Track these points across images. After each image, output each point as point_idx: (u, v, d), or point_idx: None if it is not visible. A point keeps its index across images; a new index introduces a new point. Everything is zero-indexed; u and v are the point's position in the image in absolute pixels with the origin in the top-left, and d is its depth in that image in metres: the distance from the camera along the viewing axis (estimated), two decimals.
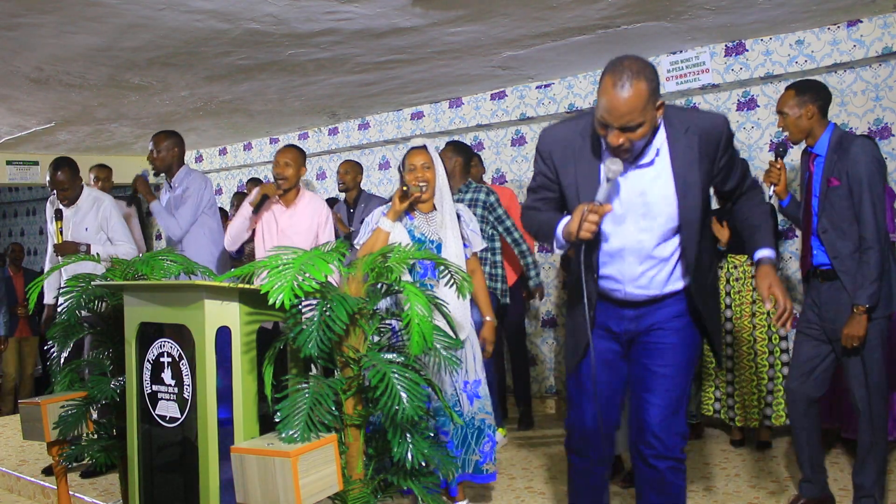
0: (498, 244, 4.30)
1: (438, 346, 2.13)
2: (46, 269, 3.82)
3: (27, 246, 11.20)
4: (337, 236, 4.05)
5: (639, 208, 2.15)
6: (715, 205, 2.65)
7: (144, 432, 2.32)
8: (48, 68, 4.49)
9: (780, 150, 3.11)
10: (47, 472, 4.09)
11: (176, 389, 2.22)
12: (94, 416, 3.06)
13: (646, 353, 2.27)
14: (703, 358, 4.17)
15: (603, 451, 2.34)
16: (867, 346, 2.84)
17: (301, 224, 3.78)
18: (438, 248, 2.95)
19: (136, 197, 5.63)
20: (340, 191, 5.30)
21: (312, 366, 2.13)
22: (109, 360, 2.99)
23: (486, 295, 3.19)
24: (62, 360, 3.10)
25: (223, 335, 2.09)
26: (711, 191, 2.28)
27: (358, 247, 3.01)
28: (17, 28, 3.74)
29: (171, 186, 4.21)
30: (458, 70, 4.96)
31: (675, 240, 2.19)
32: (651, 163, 2.13)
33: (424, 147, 3.00)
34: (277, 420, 1.91)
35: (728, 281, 4.11)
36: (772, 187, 3.08)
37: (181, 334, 2.19)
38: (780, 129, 3.02)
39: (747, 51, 4.48)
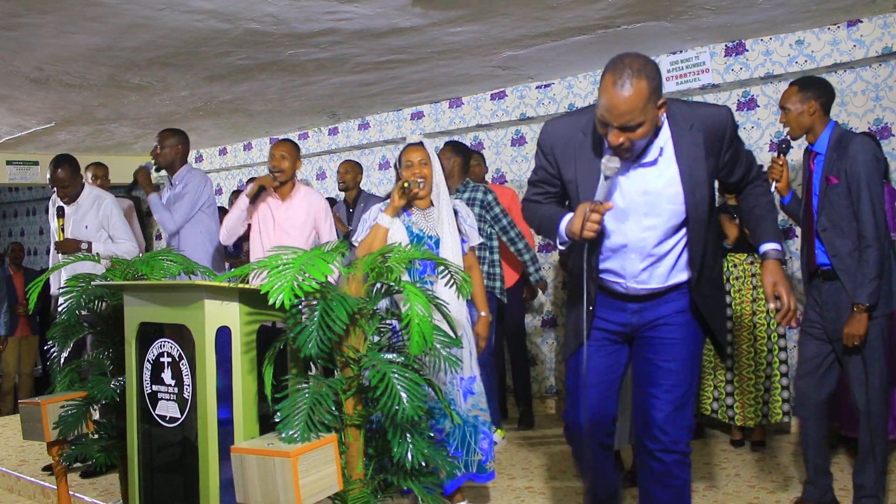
0: (496, 243, 4.30)
1: (438, 345, 2.13)
2: (51, 266, 3.82)
3: (27, 246, 11.20)
4: (336, 235, 4.06)
5: (641, 206, 2.14)
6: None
7: (144, 432, 2.32)
8: (48, 68, 4.49)
9: (782, 146, 3.11)
10: (47, 469, 4.09)
11: (176, 389, 2.22)
12: (97, 416, 3.06)
13: (650, 348, 2.26)
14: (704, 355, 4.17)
15: (601, 438, 2.35)
16: (869, 345, 2.84)
17: (297, 218, 3.80)
18: (437, 243, 2.96)
19: (134, 195, 5.62)
20: (340, 190, 5.30)
21: (312, 366, 2.13)
22: (109, 360, 2.99)
23: (482, 290, 3.20)
24: (62, 360, 3.10)
25: (223, 335, 2.09)
26: (716, 183, 2.28)
27: (356, 244, 3.01)
28: (17, 28, 3.74)
29: (172, 184, 4.22)
30: (458, 70, 4.96)
31: (678, 236, 2.18)
32: (654, 162, 2.12)
33: (421, 143, 3.00)
34: (277, 420, 1.91)
35: (728, 280, 4.11)
36: (774, 184, 3.08)
37: (181, 334, 2.19)
38: (782, 124, 3.01)
39: (747, 51, 4.48)
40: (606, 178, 2.06)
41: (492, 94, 5.62)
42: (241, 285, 2.08)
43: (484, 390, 3.05)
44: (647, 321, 2.27)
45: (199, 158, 7.90)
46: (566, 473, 3.71)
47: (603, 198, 2.06)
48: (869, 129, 4.20)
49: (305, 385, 1.96)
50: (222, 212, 4.70)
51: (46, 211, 5.47)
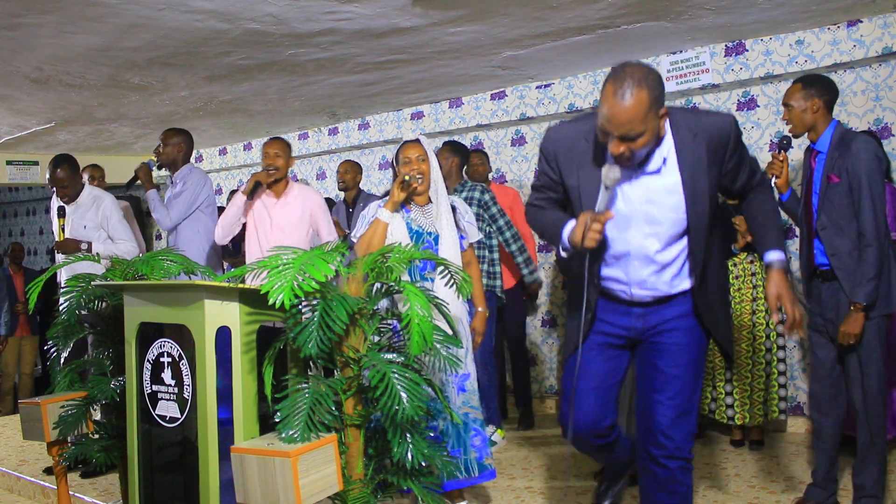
0: (496, 243, 4.30)
1: (438, 345, 2.13)
2: (59, 263, 3.83)
3: (27, 246, 11.20)
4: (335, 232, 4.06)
5: (644, 215, 2.14)
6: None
7: (144, 432, 2.32)
8: (48, 68, 4.49)
9: (783, 142, 3.12)
10: (48, 472, 4.09)
11: (176, 389, 2.22)
12: (97, 416, 3.06)
13: (655, 352, 2.26)
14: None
15: (595, 442, 2.34)
16: (866, 345, 2.84)
17: (293, 215, 3.81)
18: (436, 240, 2.96)
19: (133, 194, 5.63)
20: (340, 190, 5.30)
21: (312, 366, 2.13)
22: (109, 360, 2.99)
23: (480, 286, 3.20)
24: (62, 360, 3.10)
25: (223, 335, 2.09)
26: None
27: (355, 240, 3.00)
28: (17, 28, 3.74)
29: (173, 182, 4.22)
30: (458, 70, 4.96)
31: (682, 243, 2.18)
32: (658, 171, 2.11)
33: (418, 140, 3.00)
34: (277, 420, 1.91)
35: (728, 279, 4.11)
36: (773, 179, 3.08)
37: (181, 334, 2.19)
38: (785, 121, 3.01)
39: (747, 51, 4.48)
40: (607, 187, 2.06)
41: (492, 94, 5.62)
42: (241, 285, 2.08)
43: (477, 388, 3.04)
44: (651, 325, 2.27)
45: (200, 158, 7.90)
46: (566, 473, 3.70)
47: (604, 207, 2.06)
48: (869, 128, 4.20)
49: (305, 385, 1.96)
50: (221, 212, 4.70)
51: (47, 211, 5.47)
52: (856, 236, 2.82)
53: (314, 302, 1.96)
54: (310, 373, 2.11)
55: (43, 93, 5.07)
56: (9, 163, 7.35)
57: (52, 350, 3.03)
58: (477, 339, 3.13)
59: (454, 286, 2.29)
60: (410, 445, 2.02)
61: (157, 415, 2.27)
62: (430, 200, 3.04)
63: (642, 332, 2.29)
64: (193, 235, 4.12)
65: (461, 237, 3.04)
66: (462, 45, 4.36)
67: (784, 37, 4.36)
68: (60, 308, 3.15)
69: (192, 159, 4.35)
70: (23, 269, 7.24)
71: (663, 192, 2.12)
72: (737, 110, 4.69)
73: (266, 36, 4.03)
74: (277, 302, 1.77)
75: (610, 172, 2.04)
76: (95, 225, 4.07)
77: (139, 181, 4.28)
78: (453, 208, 3.05)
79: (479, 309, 3.16)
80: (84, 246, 3.97)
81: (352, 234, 3.09)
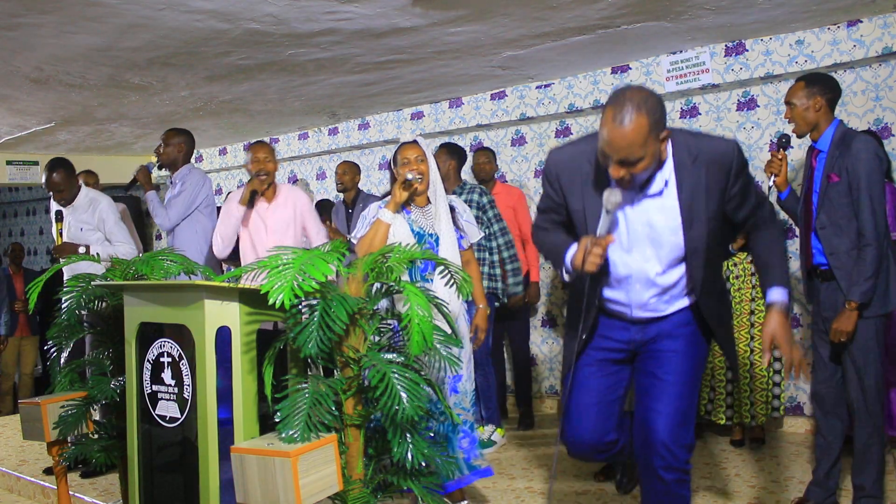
0: (496, 245, 4.29)
1: (438, 345, 2.13)
2: (60, 262, 3.83)
3: (27, 246, 11.20)
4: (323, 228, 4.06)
5: (646, 238, 2.14)
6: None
7: (144, 432, 2.32)
8: (48, 68, 4.49)
9: (782, 140, 3.12)
10: (48, 472, 4.09)
11: (176, 389, 2.22)
12: (97, 416, 3.06)
13: (652, 361, 2.26)
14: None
15: (596, 457, 2.36)
16: (864, 345, 2.84)
17: (285, 216, 3.84)
18: (437, 241, 2.96)
19: (132, 194, 5.63)
20: (339, 191, 5.30)
21: (312, 366, 2.13)
22: (109, 360, 2.99)
23: (479, 284, 3.20)
24: (62, 360, 3.10)
25: (223, 335, 2.09)
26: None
27: (356, 241, 3.00)
28: (17, 28, 3.74)
29: (173, 183, 4.23)
30: (458, 70, 4.96)
31: (682, 267, 2.18)
32: (660, 193, 2.11)
33: (416, 141, 3.00)
34: (277, 420, 1.91)
35: (728, 279, 4.11)
36: (772, 178, 3.08)
37: (181, 334, 2.19)
38: (787, 119, 3.01)
39: (747, 51, 4.48)
40: (608, 211, 2.06)
41: (492, 94, 5.62)
42: (241, 285, 2.08)
43: (469, 390, 3.03)
44: (650, 336, 2.28)
45: (200, 158, 7.90)
46: (566, 473, 3.70)
47: (605, 231, 2.06)
48: (869, 128, 4.20)
49: (305, 385, 1.95)
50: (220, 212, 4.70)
51: (47, 211, 5.48)
52: (855, 236, 2.82)
53: (314, 302, 1.96)
54: (310, 373, 2.11)
55: (43, 93, 5.07)
56: (9, 163, 7.35)
57: (52, 350, 3.03)
58: (480, 335, 3.13)
59: (454, 286, 2.29)
60: (410, 445, 2.02)
61: (157, 415, 2.27)
62: (429, 201, 3.03)
63: (642, 343, 2.30)
64: (192, 236, 4.12)
65: (460, 237, 3.04)
66: (462, 45, 4.36)
67: (784, 37, 4.36)
68: (61, 308, 3.15)
69: (192, 159, 4.35)
70: (23, 269, 7.24)
71: (664, 214, 2.11)
72: (737, 110, 4.69)
73: (266, 36, 4.03)
74: (277, 302, 1.77)
75: (611, 196, 2.04)
76: (92, 227, 4.08)
77: (139, 183, 4.28)
78: (452, 208, 3.05)
79: (480, 306, 3.16)
80: (82, 250, 3.97)
81: (352, 235, 3.09)
